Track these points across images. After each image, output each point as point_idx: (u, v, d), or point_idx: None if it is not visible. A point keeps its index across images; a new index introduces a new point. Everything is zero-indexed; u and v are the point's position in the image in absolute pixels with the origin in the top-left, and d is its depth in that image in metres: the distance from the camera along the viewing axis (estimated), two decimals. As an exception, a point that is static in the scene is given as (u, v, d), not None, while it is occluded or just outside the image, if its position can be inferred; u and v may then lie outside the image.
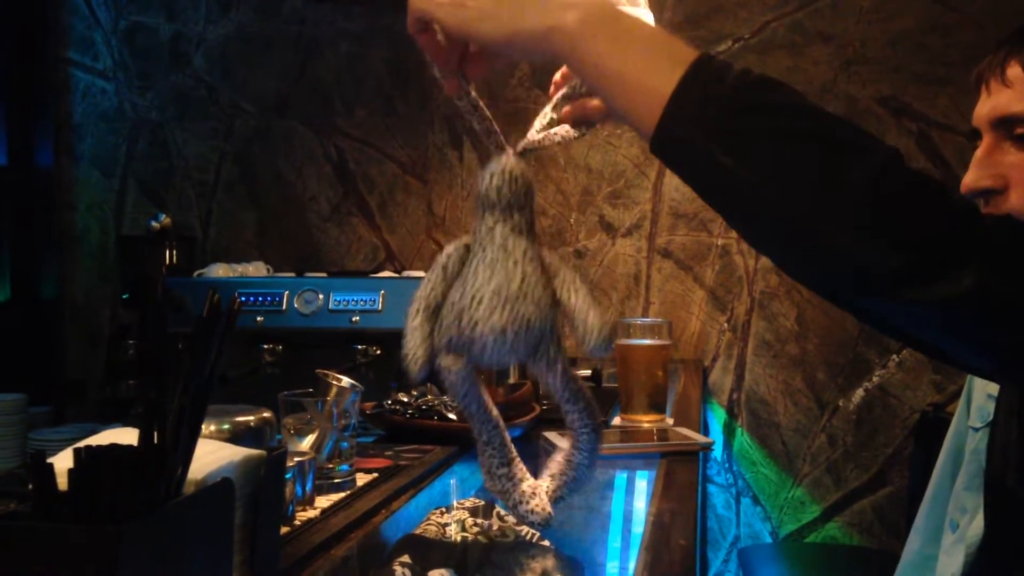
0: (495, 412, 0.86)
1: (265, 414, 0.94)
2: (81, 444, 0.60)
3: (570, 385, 0.82)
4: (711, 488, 2.56)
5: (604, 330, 0.77)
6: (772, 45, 2.51)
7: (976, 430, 1.72)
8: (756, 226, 0.63)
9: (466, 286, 0.77)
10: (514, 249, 0.77)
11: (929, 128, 2.43)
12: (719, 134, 0.60)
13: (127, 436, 0.63)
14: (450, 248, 0.82)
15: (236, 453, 0.72)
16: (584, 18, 0.64)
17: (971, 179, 0.87)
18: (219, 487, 0.67)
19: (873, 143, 0.61)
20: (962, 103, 2.39)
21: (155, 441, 0.61)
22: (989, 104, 0.87)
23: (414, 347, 0.80)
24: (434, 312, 0.80)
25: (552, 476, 0.90)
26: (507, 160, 0.79)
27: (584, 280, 0.79)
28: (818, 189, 0.59)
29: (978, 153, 0.88)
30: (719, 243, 2.55)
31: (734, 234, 2.54)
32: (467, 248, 0.81)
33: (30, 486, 0.59)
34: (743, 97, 0.60)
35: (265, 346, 2.34)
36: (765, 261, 2.52)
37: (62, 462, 0.59)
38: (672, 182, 2.58)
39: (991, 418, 1.64)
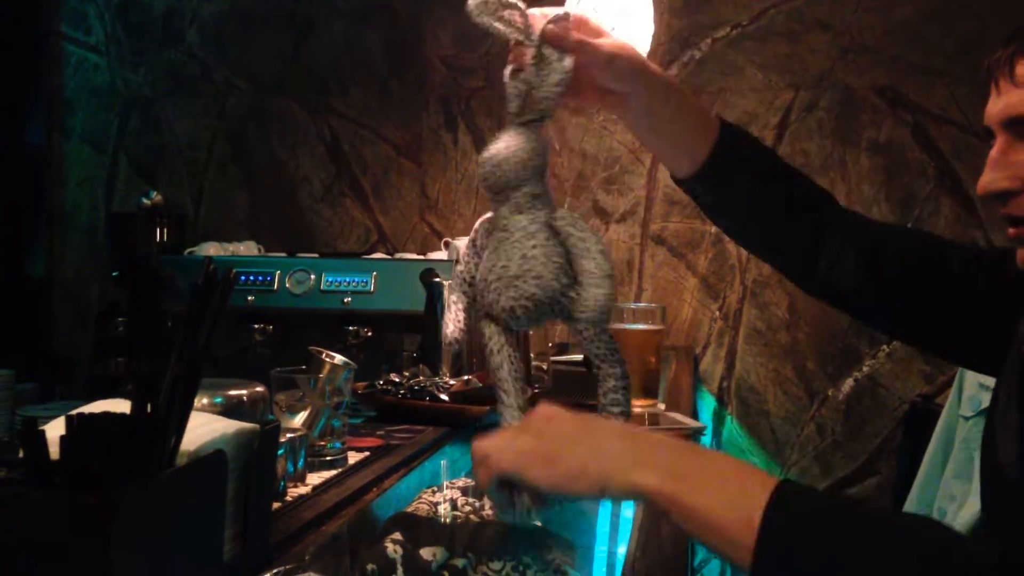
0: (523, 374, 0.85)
1: (258, 388, 0.93)
2: (73, 412, 0.59)
3: (599, 346, 0.83)
4: (700, 475, 2.56)
5: (598, 302, 0.77)
6: (770, 32, 2.50)
7: (967, 419, 1.72)
8: None
9: (481, 268, 0.80)
10: (513, 229, 0.79)
11: (925, 120, 2.43)
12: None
13: (119, 406, 0.62)
14: (477, 224, 0.85)
15: (229, 426, 0.72)
16: (663, 481, 0.70)
17: (987, 180, 0.85)
18: (212, 459, 0.66)
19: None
20: (959, 95, 2.39)
21: (148, 410, 0.60)
22: (1000, 103, 0.86)
23: (449, 319, 0.85)
24: (470, 284, 0.84)
25: None
26: (487, 148, 0.81)
27: (596, 242, 0.78)
28: None
29: (993, 153, 0.86)
30: (712, 230, 2.55)
31: (728, 222, 2.54)
32: (491, 223, 0.82)
33: (21, 453, 0.58)
34: (821, 541, 0.66)
35: (256, 326, 2.33)
36: (758, 249, 2.52)
37: (53, 431, 0.58)
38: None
39: (982, 407, 1.65)
